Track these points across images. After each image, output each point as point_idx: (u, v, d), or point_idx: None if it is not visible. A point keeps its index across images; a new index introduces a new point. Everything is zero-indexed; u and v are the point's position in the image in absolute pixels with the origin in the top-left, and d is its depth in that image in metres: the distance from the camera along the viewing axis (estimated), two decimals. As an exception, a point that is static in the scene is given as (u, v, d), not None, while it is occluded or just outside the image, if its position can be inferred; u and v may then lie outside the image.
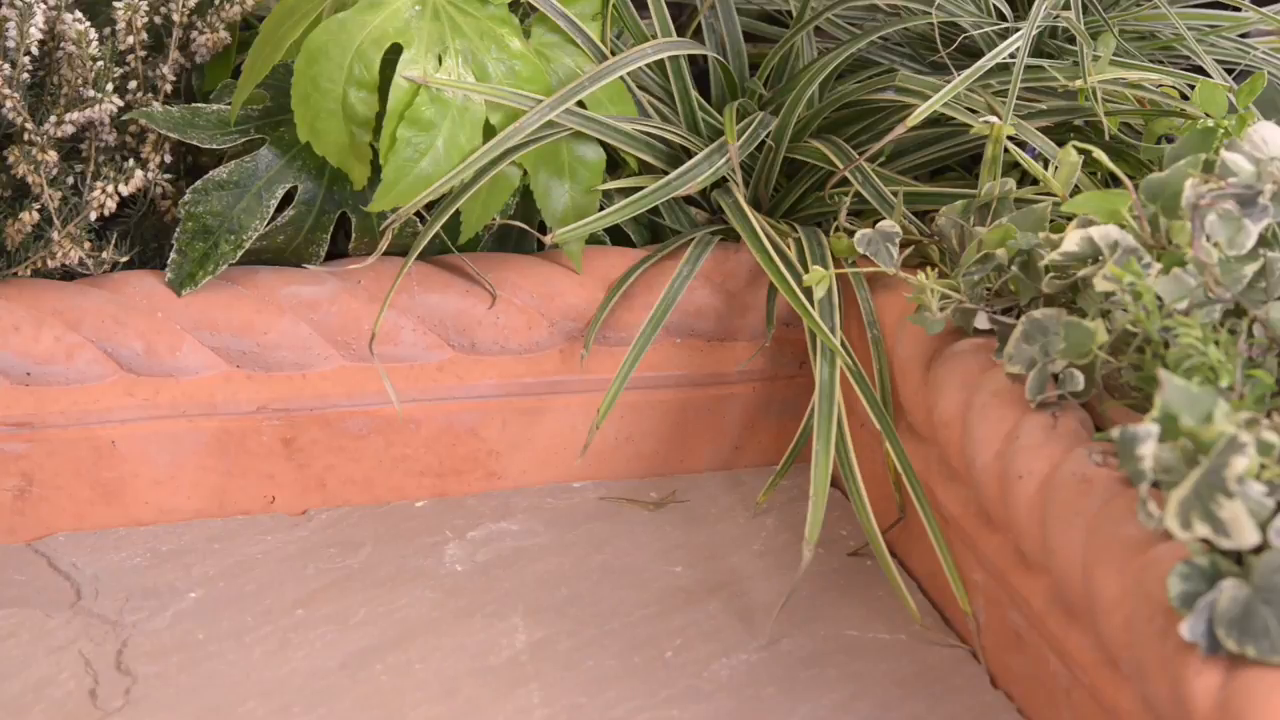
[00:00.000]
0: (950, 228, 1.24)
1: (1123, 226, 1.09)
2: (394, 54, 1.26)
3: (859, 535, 1.27)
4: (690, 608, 1.20)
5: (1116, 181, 1.16)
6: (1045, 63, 1.38)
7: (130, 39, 1.31)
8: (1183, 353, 0.98)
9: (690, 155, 1.35)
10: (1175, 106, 1.36)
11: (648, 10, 1.42)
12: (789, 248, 1.29)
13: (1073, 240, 1.09)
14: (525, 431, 1.33)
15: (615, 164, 1.37)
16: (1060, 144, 1.28)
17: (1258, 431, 0.89)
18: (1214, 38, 1.45)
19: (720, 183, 1.37)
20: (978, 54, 1.34)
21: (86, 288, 1.27)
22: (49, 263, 1.28)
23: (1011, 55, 1.30)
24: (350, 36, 1.26)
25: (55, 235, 1.27)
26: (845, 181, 1.33)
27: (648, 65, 1.39)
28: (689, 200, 1.40)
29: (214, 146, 1.30)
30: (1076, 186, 1.24)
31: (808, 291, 1.24)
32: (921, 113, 1.26)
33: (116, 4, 1.30)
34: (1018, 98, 1.29)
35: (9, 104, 1.26)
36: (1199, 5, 1.50)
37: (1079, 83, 1.32)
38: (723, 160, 1.34)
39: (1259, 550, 0.88)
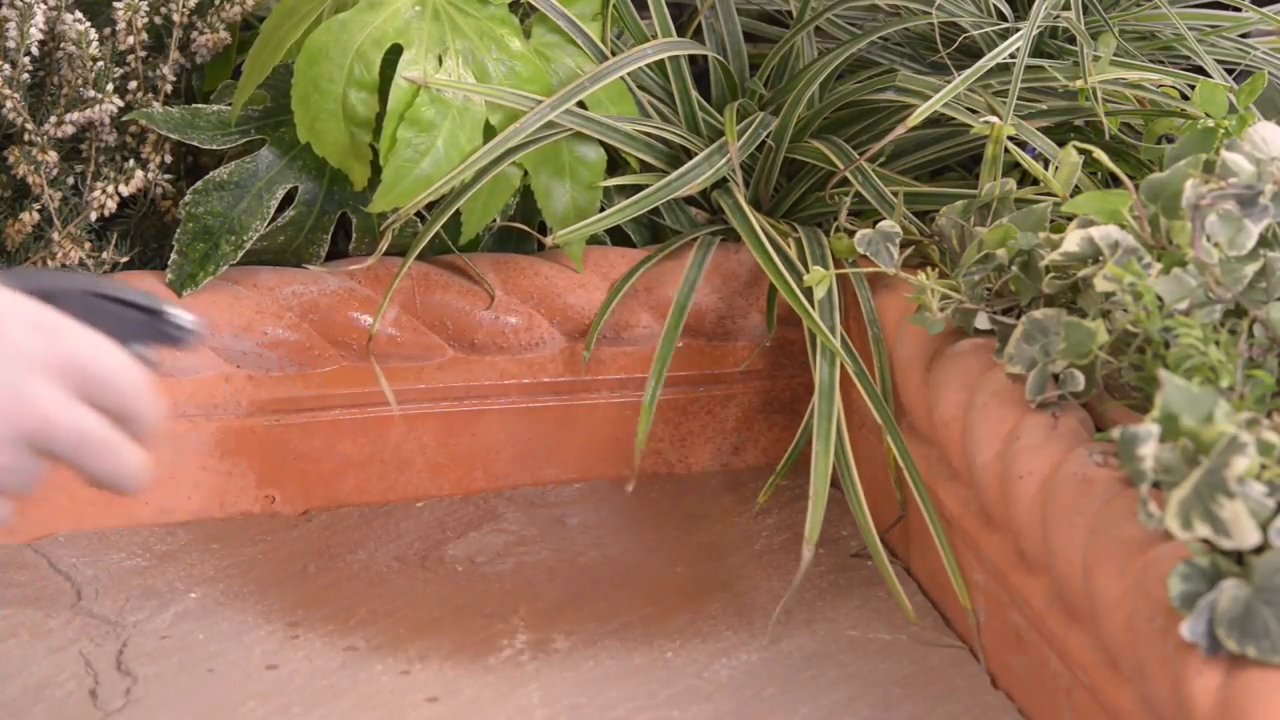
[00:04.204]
0: (950, 228, 1.24)
1: (1123, 227, 1.09)
2: (394, 55, 1.26)
3: (860, 535, 1.27)
4: (690, 608, 1.20)
5: (1117, 182, 1.16)
6: (1045, 63, 1.38)
7: (130, 39, 1.31)
8: (1183, 353, 0.98)
9: (690, 155, 1.35)
10: (1175, 106, 1.36)
11: (648, 10, 1.42)
12: (789, 248, 1.29)
13: (1073, 240, 1.09)
14: (525, 432, 1.33)
15: (615, 164, 1.37)
16: (1060, 144, 1.28)
17: (1258, 432, 0.89)
18: (1214, 38, 1.45)
19: (720, 183, 1.37)
20: (978, 54, 1.34)
21: (87, 288, 1.27)
22: (49, 263, 1.28)
23: (1012, 55, 1.30)
24: (350, 37, 1.26)
25: (55, 235, 1.27)
26: (845, 181, 1.33)
27: (648, 65, 1.39)
28: (689, 200, 1.40)
29: (214, 147, 1.30)
30: (1077, 187, 1.24)
31: (808, 291, 1.24)
32: (922, 113, 1.26)
33: (116, 4, 1.30)
34: (1018, 98, 1.29)
35: (9, 104, 1.26)
36: (1199, 5, 1.50)
37: (1079, 83, 1.31)
38: (723, 160, 1.34)
39: (1260, 550, 0.88)
